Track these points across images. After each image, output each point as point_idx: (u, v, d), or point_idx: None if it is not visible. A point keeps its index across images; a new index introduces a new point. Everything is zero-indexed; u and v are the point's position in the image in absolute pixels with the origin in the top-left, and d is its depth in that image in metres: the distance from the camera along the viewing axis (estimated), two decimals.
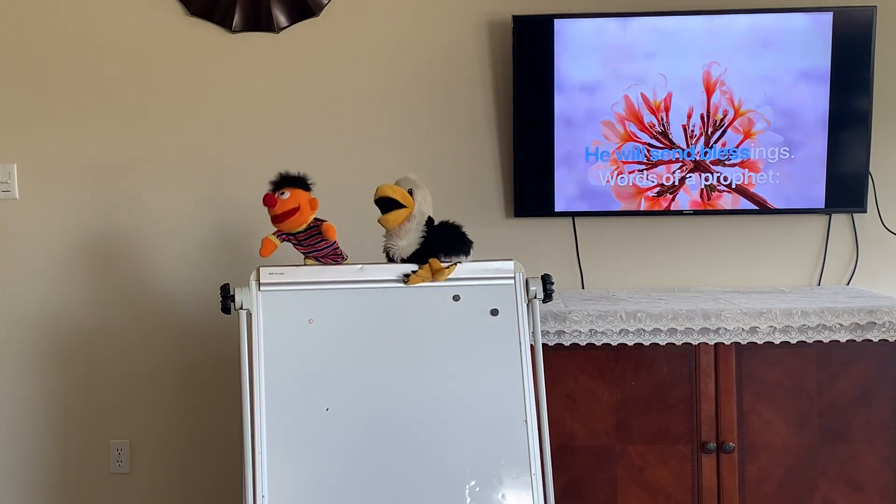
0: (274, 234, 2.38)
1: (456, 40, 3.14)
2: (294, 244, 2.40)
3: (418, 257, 2.32)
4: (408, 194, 2.32)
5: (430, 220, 2.34)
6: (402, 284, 2.32)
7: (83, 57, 3.17)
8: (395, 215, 2.31)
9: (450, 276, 2.31)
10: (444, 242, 2.33)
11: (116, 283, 3.21)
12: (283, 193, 2.34)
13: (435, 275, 2.30)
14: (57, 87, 3.18)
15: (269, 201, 2.32)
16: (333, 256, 2.42)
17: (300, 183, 2.38)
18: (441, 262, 2.31)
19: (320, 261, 2.41)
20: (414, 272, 2.31)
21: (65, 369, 3.23)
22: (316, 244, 2.39)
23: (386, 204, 2.31)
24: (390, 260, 2.35)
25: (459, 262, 2.32)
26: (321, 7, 3.13)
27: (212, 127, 3.17)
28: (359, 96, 3.16)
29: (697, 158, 3.02)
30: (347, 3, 3.14)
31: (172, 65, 3.17)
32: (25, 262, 3.22)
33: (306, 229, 2.37)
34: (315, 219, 2.39)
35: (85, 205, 3.20)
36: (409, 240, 2.32)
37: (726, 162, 3.02)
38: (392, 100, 3.16)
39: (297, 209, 2.34)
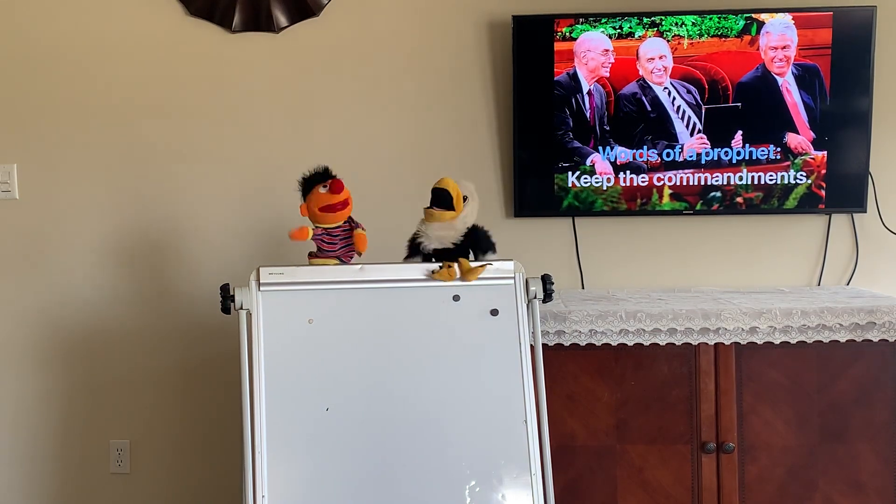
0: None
1: (456, 40, 3.13)
2: (321, 234, 2.38)
3: (445, 254, 2.35)
4: (461, 199, 2.37)
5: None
6: (402, 284, 2.32)
7: (83, 57, 3.17)
8: (440, 215, 2.35)
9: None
10: (479, 244, 2.38)
11: (115, 284, 3.21)
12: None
13: (466, 274, 2.31)
14: (57, 87, 3.18)
15: (338, 187, 2.36)
16: (350, 254, 2.43)
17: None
18: (470, 261, 2.34)
19: (341, 259, 2.40)
20: (441, 268, 2.32)
21: (65, 369, 3.23)
22: (346, 239, 2.40)
23: (441, 198, 2.35)
24: (413, 247, 2.37)
25: (491, 264, 2.34)
26: (321, 7, 3.13)
27: (212, 127, 3.17)
28: (358, 96, 3.16)
29: (699, 157, 3.03)
30: (347, 3, 3.14)
31: (172, 65, 3.16)
32: (25, 263, 3.22)
33: (341, 224, 2.39)
34: (349, 217, 2.42)
35: (84, 205, 3.20)
36: (441, 245, 2.35)
37: (728, 161, 3.03)
38: (392, 100, 3.15)
39: (349, 200, 2.39)
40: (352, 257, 2.42)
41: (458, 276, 2.31)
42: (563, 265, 3.15)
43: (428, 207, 2.37)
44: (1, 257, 3.22)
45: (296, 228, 2.36)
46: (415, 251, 2.39)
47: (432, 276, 2.32)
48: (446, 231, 2.35)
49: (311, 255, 2.41)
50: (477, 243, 2.37)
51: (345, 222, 2.39)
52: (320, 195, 2.36)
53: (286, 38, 3.15)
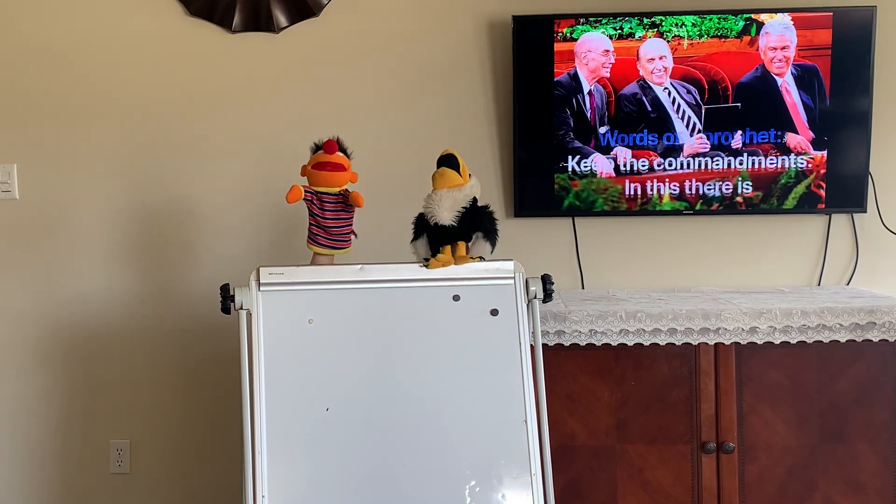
0: (303, 186, 2.39)
1: (456, 40, 3.14)
2: (313, 203, 2.39)
3: (451, 232, 2.33)
4: (467, 172, 2.38)
5: (474, 200, 2.37)
6: (402, 284, 2.32)
7: (83, 57, 3.17)
8: (451, 174, 2.35)
9: (452, 276, 2.32)
10: (482, 223, 2.36)
11: (115, 284, 3.21)
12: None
13: (458, 259, 2.33)
14: (57, 87, 3.18)
15: (331, 147, 2.39)
16: (344, 235, 2.42)
17: (346, 155, 2.45)
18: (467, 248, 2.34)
19: (330, 246, 2.39)
20: (433, 257, 2.32)
21: (65, 369, 3.23)
22: (336, 212, 2.40)
23: (449, 160, 2.36)
24: (421, 223, 2.37)
25: (483, 259, 2.34)
26: (321, 7, 3.13)
27: (212, 127, 3.17)
28: (358, 96, 3.16)
29: (699, 156, 3.03)
30: (347, 3, 3.14)
31: (172, 65, 3.17)
32: (25, 263, 3.22)
33: (336, 194, 2.39)
34: (345, 189, 2.41)
35: (83, 205, 3.20)
36: (451, 211, 2.33)
37: (728, 161, 3.03)
38: (392, 100, 3.16)
39: (345, 167, 2.40)
40: (347, 240, 2.41)
41: (453, 261, 2.33)
42: (563, 265, 3.15)
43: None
44: (1, 257, 3.22)
45: (289, 191, 2.36)
46: (421, 230, 2.38)
47: (426, 264, 2.32)
48: (455, 195, 2.34)
49: (308, 240, 2.42)
50: (479, 222, 2.36)
51: (339, 194, 2.39)
52: (316, 154, 2.40)
53: (286, 38, 3.15)
